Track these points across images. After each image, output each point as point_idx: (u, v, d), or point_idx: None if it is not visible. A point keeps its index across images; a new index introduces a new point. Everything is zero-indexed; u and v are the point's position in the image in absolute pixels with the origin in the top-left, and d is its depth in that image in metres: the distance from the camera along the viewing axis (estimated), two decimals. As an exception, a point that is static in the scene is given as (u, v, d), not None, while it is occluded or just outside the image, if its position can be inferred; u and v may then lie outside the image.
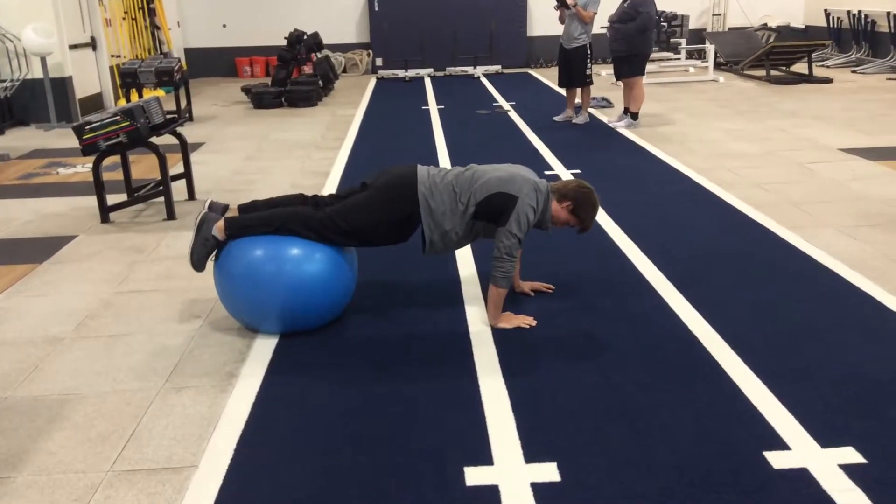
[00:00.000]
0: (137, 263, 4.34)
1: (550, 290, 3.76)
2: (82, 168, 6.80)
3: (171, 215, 5.16)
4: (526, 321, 3.41)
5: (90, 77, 10.26)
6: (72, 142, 6.64)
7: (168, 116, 5.51)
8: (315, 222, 3.26)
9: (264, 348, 3.24)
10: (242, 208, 3.44)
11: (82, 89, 9.76)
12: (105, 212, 5.14)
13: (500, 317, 3.41)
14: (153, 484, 2.38)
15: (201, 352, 3.25)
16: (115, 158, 5.30)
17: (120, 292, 3.94)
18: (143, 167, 6.64)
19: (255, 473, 2.41)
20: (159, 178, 5.22)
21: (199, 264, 3.32)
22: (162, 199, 5.21)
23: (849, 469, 2.34)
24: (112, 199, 5.27)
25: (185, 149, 5.60)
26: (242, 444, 2.56)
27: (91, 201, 5.37)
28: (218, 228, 3.27)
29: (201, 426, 2.68)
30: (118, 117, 4.90)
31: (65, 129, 8.71)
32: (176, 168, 5.84)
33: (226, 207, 3.42)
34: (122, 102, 10.00)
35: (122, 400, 2.88)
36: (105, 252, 4.55)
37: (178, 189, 5.60)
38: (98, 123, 4.89)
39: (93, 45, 10.38)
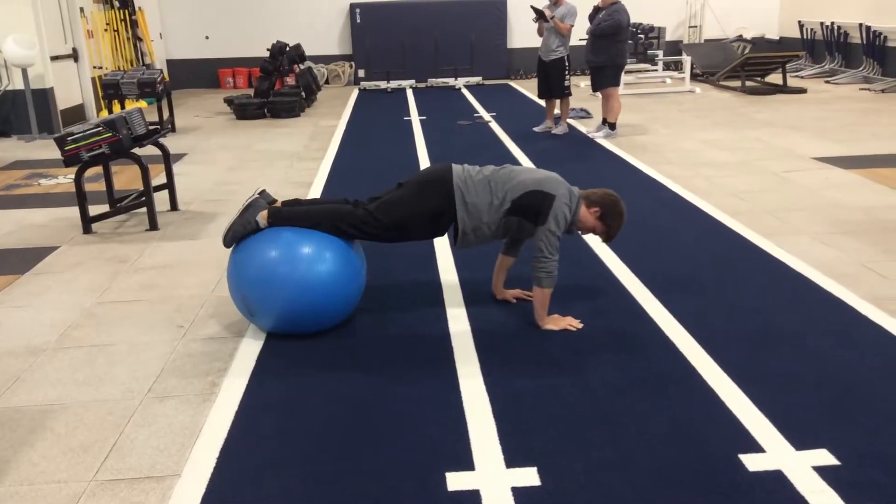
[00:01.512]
0: (120, 274, 4.35)
1: (531, 298, 3.81)
2: (64, 179, 6.79)
3: (153, 226, 5.17)
4: (573, 323, 3.46)
5: (72, 88, 10.23)
6: (54, 153, 6.64)
7: (150, 127, 5.53)
8: (355, 218, 3.38)
9: (247, 357, 3.26)
10: (286, 203, 3.52)
11: (64, 100, 9.74)
12: (87, 222, 5.14)
13: (548, 318, 3.47)
14: (136, 493, 2.39)
15: (184, 361, 3.27)
16: (97, 169, 5.31)
17: (102, 302, 3.95)
18: (126, 178, 6.64)
19: (237, 482, 2.43)
20: (142, 188, 5.23)
21: (230, 242, 3.40)
22: (144, 209, 5.22)
23: (822, 471, 2.39)
24: (94, 210, 5.27)
25: (167, 159, 5.61)
26: (225, 452, 2.58)
27: (73, 212, 5.37)
28: (262, 216, 3.37)
29: (184, 435, 2.70)
30: (100, 128, 4.91)
31: (46, 141, 8.69)
32: (158, 179, 5.85)
33: (273, 201, 3.49)
34: (104, 114, 9.99)
35: (104, 410, 2.89)
36: (87, 263, 4.55)
37: (161, 200, 5.61)
38: (80, 134, 4.90)
39: (74, 56, 10.36)
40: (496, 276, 3.84)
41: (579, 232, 3.55)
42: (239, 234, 3.38)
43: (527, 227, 3.43)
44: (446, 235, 3.80)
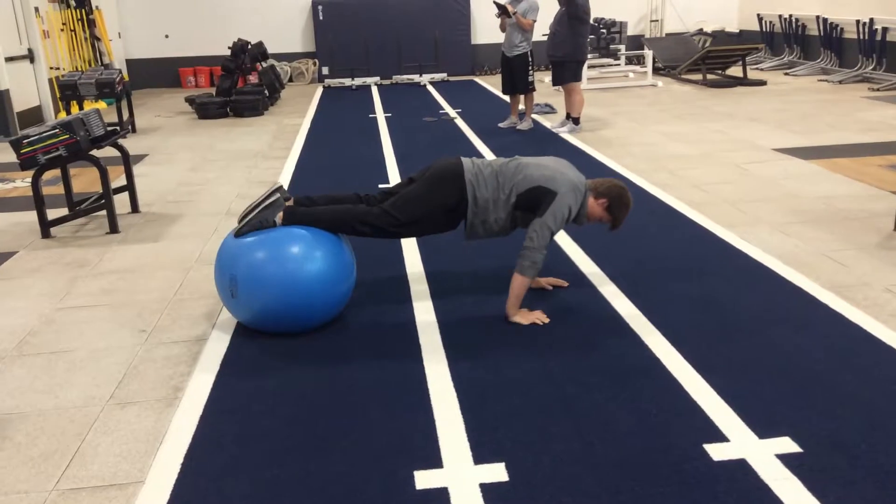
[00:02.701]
0: (80, 278, 4.27)
1: (566, 286, 3.87)
2: (22, 183, 6.65)
3: (113, 228, 5.08)
4: (542, 318, 3.47)
5: (28, 90, 10.02)
6: (10, 156, 6.50)
7: (109, 128, 5.44)
8: (371, 217, 3.43)
9: (211, 360, 3.22)
10: (298, 201, 3.54)
11: (20, 102, 9.53)
12: (46, 227, 5.04)
13: (518, 311, 3.49)
14: (99, 501, 2.35)
15: (146, 366, 3.22)
16: (55, 172, 5.20)
17: (62, 308, 3.87)
18: (86, 180, 6.52)
19: (202, 487, 2.40)
20: (101, 191, 5.13)
21: (243, 235, 3.37)
22: (104, 212, 5.13)
23: (785, 458, 2.43)
24: (54, 214, 5.17)
25: (126, 161, 5.52)
26: (189, 457, 2.55)
27: (31, 216, 5.27)
28: (279, 217, 3.38)
29: (147, 441, 2.66)
30: (57, 130, 4.82)
31: (2, 144, 8.49)
32: (118, 181, 5.76)
33: (288, 198, 3.49)
34: (63, 115, 9.79)
35: (65, 418, 2.84)
36: (46, 268, 4.46)
37: (121, 202, 5.52)
38: (36, 137, 4.80)
39: (30, 57, 10.14)
40: None
41: (587, 222, 3.59)
42: (255, 229, 3.37)
43: (532, 219, 3.46)
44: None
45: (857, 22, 11.17)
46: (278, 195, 3.41)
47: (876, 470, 2.35)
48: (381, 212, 3.45)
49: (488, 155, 7.11)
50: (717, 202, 5.29)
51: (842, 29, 11.77)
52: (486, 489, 2.33)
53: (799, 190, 5.53)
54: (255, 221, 3.36)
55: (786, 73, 12.38)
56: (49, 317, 3.77)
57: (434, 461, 2.48)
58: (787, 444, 2.50)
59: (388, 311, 3.66)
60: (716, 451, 2.47)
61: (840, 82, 11.07)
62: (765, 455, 2.45)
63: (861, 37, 11.17)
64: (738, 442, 2.52)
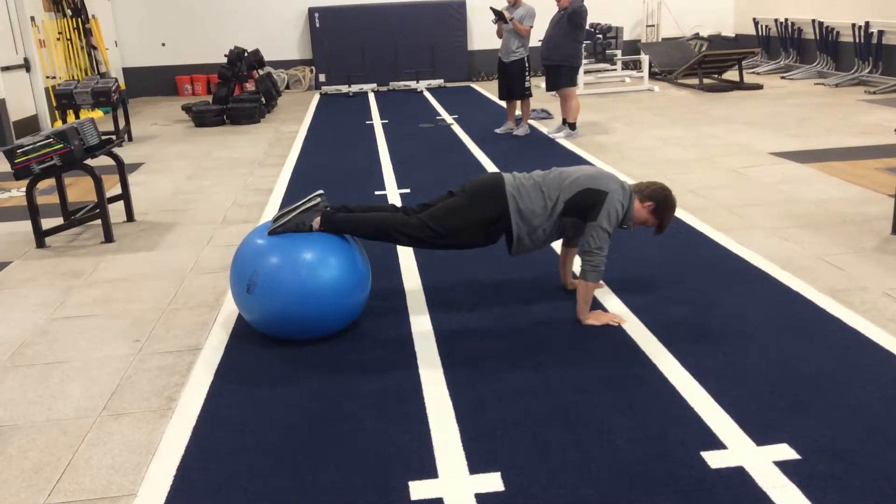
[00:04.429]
0: (74, 288, 4.25)
1: (601, 286, 3.85)
2: (17, 192, 6.63)
3: (108, 238, 5.06)
4: (615, 319, 3.47)
5: (24, 99, 10.01)
6: (5, 166, 6.47)
7: (104, 137, 5.42)
8: (410, 228, 3.41)
9: (205, 371, 3.20)
10: (335, 209, 3.50)
11: (16, 112, 9.52)
12: (40, 236, 5.02)
13: (590, 313, 3.48)
14: (91, 514, 2.33)
15: (140, 377, 3.20)
16: (50, 181, 5.19)
17: (56, 318, 3.85)
18: (81, 189, 6.51)
19: (195, 499, 2.37)
20: (96, 200, 5.12)
21: (276, 234, 3.33)
22: (99, 221, 5.11)
23: (783, 465, 2.41)
24: (49, 223, 5.15)
25: (121, 170, 5.51)
26: (182, 469, 2.52)
27: (26, 226, 5.25)
28: (316, 222, 3.35)
29: (140, 453, 2.63)
30: (51, 140, 4.80)
31: (-3, 153, 8.48)
32: (114, 190, 5.74)
33: (328, 206, 3.46)
34: (59, 124, 9.78)
35: (57, 429, 2.81)
36: (40, 278, 4.44)
37: (117, 211, 5.51)
38: (30, 146, 4.79)
39: (26, 66, 10.14)
40: (562, 269, 3.88)
41: (633, 225, 3.57)
42: (290, 230, 3.34)
43: (581, 225, 3.47)
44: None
45: (853, 25, 11.18)
46: (319, 200, 3.38)
47: (875, 476, 2.33)
48: (419, 223, 3.42)
49: (485, 160, 7.09)
50: (714, 207, 5.28)
51: (838, 32, 11.79)
52: (482, 499, 2.31)
53: (795, 194, 5.52)
54: (291, 224, 3.33)
55: (782, 77, 12.39)
56: (43, 327, 3.75)
57: (429, 471, 2.46)
58: (786, 451, 2.48)
59: (385, 321, 3.64)
60: (713, 459, 2.45)
61: (836, 86, 11.08)
62: (763, 462, 2.43)
63: (857, 40, 11.19)
64: (736, 449, 2.50)
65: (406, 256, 4.49)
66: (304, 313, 3.26)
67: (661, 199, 3.49)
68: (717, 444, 2.53)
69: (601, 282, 3.86)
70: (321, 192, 3.46)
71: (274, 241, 3.32)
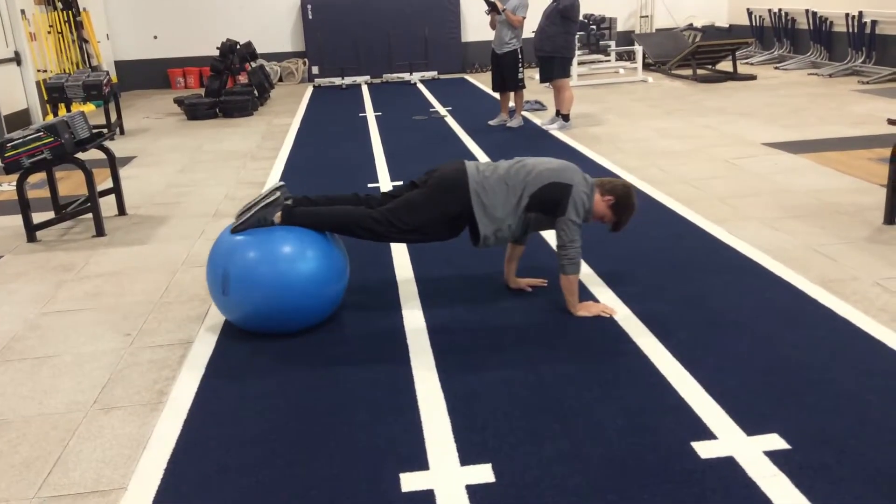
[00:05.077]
0: (65, 283, 4.23)
1: (545, 285, 3.83)
2: (8, 186, 6.58)
3: (100, 231, 5.04)
4: (607, 310, 3.46)
5: (15, 93, 9.95)
6: (-5, 160, 6.43)
7: (95, 131, 5.40)
8: (370, 221, 3.37)
9: (196, 363, 3.19)
10: (297, 201, 3.47)
11: (7, 106, 9.46)
12: (31, 231, 5.00)
13: (580, 305, 3.47)
14: (81, 508, 2.32)
15: (131, 371, 3.19)
16: (41, 175, 5.16)
17: (47, 313, 3.83)
18: (72, 183, 6.48)
19: (185, 493, 2.37)
20: (87, 194, 5.09)
21: (240, 232, 3.32)
22: (90, 215, 5.09)
23: (773, 455, 2.41)
24: (40, 217, 5.12)
25: (113, 163, 5.49)
26: (173, 463, 2.52)
27: (17, 220, 5.23)
28: (277, 216, 3.33)
29: (131, 447, 2.63)
30: (41, 133, 4.78)
31: (-12, 147, 8.42)
32: (105, 183, 5.71)
33: (288, 198, 3.44)
34: (50, 118, 9.73)
35: (48, 424, 2.80)
36: (31, 272, 4.42)
37: (108, 204, 5.48)
38: (20, 140, 4.76)
39: (17, 60, 10.07)
40: (507, 266, 3.83)
41: (591, 219, 3.55)
42: (252, 227, 3.33)
43: (545, 220, 3.44)
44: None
45: (847, 15, 11.17)
46: (278, 194, 3.36)
47: (865, 466, 2.34)
48: (381, 216, 3.38)
49: (478, 152, 7.08)
50: (707, 198, 5.28)
51: (831, 22, 11.78)
52: (473, 490, 2.31)
53: (788, 184, 5.52)
54: (252, 220, 3.31)
55: (776, 68, 12.38)
56: (34, 322, 3.74)
57: (420, 463, 2.46)
58: (776, 441, 2.48)
59: (377, 314, 3.63)
60: (703, 449, 2.46)
61: (830, 76, 11.08)
62: (753, 452, 2.43)
63: (850, 30, 11.18)
64: (726, 439, 2.51)
65: (399, 248, 4.48)
66: (282, 308, 3.26)
67: (621, 195, 3.47)
68: (707, 435, 2.53)
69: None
70: (282, 183, 3.44)
71: (240, 239, 3.30)
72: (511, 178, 3.41)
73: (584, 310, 3.48)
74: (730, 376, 2.90)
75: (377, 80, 13.37)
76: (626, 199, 3.48)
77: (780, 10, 12.97)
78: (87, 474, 2.49)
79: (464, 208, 3.38)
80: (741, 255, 4.16)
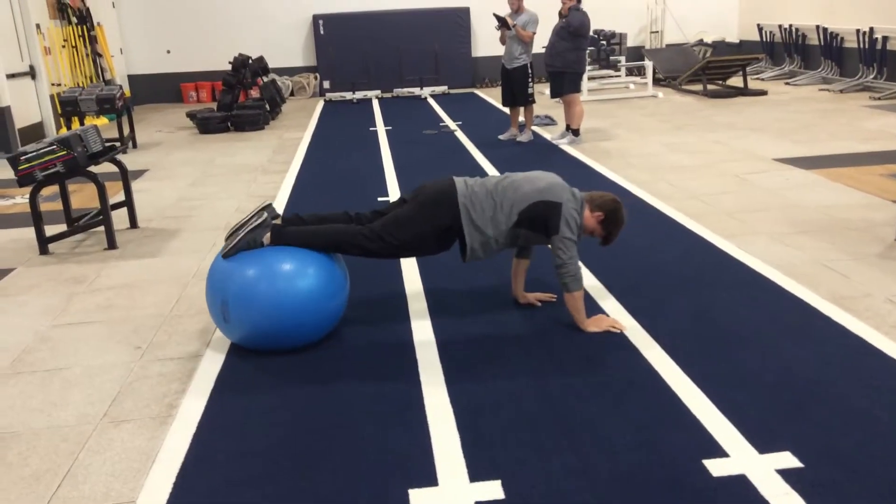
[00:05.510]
0: (76, 295, 4.25)
1: (553, 299, 3.82)
2: (21, 199, 6.64)
3: (111, 244, 5.07)
4: (616, 325, 3.46)
5: (30, 106, 10.05)
6: (10, 173, 6.49)
7: (108, 144, 5.44)
8: (361, 238, 3.38)
9: (206, 377, 3.20)
10: (287, 220, 3.49)
11: (22, 119, 9.55)
12: (43, 243, 5.03)
13: (589, 320, 3.47)
14: (90, 521, 2.32)
15: (141, 384, 3.19)
16: (55, 188, 5.20)
17: (58, 325, 3.85)
18: (85, 196, 6.52)
19: (195, 505, 2.37)
20: (99, 207, 5.13)
21: (230, 256, 3.30)
22: (102, 228, 5.12)
23: (786, 474, 2.39)
24: (53, 230, 5.16)
25: (125, 176, 5.52)
26: (182, 476, 2.52)
27: (30, 233, 5.26)
28: (266, 237, 3.32)
29: (140, 460, 2.63)
30: (54, 147, 4.82)
31: (3, 161, 8.50)
32: (118, 196, 5.75)
33: (276, 216, 3.44)
34: (64, 132, 9.82)
35: (57, 436, 2.81)
36: (43, 284, 4.45)
37: (120, 217, 5.52)
38: (34, 153, 4.80)
39: (32, 73, 10.18)
40: (515, 281, 3.83)
41: (582, 234, 3.54)
42: (242, 251, 3.31)
43: (534, 237, 3.44)
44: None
45: (858, 31, 11.16)
46: (265, 214, 3.35)
47: (877, 484, 2.32)
48: (371, 233, 3.39)
49: (488, 166, 7.10)
50: (717, 213, 5.26)
51: (842, 38, 11.77)
52: (482, 507, 2.30)
53: (799, 200, 5.51)
54: (241, 243, 3.29)
55: (786, 83, 12.37)
56: (45, 334, 3.76)
57: (429, 479, 2.45)
58: (788, 459, 2.46)
59: (385, 327, 3.63)
60: (715, 467, 2.44)
61: (841, 91, 11.06)
62: (765, 470, 2.41)
63: (861, 46, 11.17)
64: (738, 457, 2.49)
65: (407, 261, 4.48)
66: (281, 327, 3.25)
67: (610, 210, 3.47)
68: (719, 452, 2.52)
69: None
70: (268, 202, 3.44)
71: (232, 265, 3.28)
72: (498, 194, 3.42)
73: (594, 325, 3.47)
74: (739, 392, 2.88)
75: (388, 95, 13.43)
76: (615, 215, 3.48)
77: (790, 25, 12.97)
78: (97, 487, 2.49)
79: (454, 221, 3.39)
80: (750, 270, 4.14)
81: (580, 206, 3.45)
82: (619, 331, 3.44)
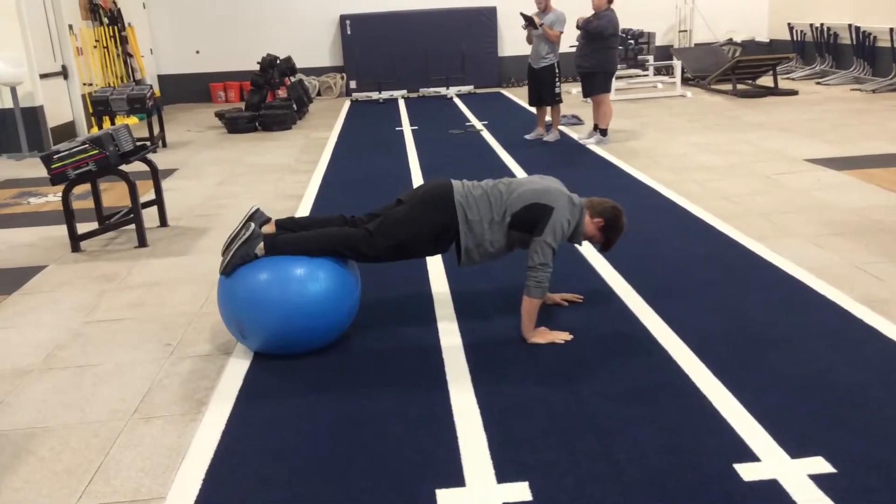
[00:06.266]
0: (108, 292, 4.31)
1: (580, 301, 3.79)
2: (54, 197, 6.75)
3: (142, 242, 5.13)
4: (561, 336, 3.40)
5: (62, 106, 10.21)
6: (43, 171, 6.59)
7: (138, 143, 5.50)
8: (356, 241, 3.33)
9: (235, 375, 3.22)
10: (280, 224, 3.46)
11: (54, 118, 9.71)
12: (75, 241, 5.10)
13: (535, 331, 3.41)
14: (121, 517, 2.35)
15: (171, 380, 3.23)
16: (86, 186, 5.27)
17: (89, 322, 3.90)
18: (115, 195, 6.61)
19: (222, 503, 2.38)
20: (130, 205, 5.19)
21: (229, 273, 3.28)
22: (133, 226, 5.18)
23: (819, 479, 2.35)
24: (84, 228, 5.23)
25: (155, 175, 5.58)
26: (211, 473, 2.54)
27: (62, 230, 5.34)
28: (259, 248, 3.28)
29: (170, 457, 2.65)
30: (86, 146, 4.88)
31: (36, 159, 8.64)
32: (148, 195, 5.82)
33: (266, 220, 3.40)
34: (95, 131, 9.95)
35: (89, 432, 2.85)
36: (75, 281, 4.51)
37: (150, 216, 5.58)
38: (66, 152, 4.87)
39: (64, 73, 10.33)
40: None
41: (583, 240, 3.52)
42: (238, 266, 3.27)
43: (529, 240, 3.40)
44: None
45: (891, 30, 10.98)
46: (252, 226, 3.27)
47: (914, 492, 2.27)
48: (365, 235, 3.33)
49: (514, 166, 7.08)
50: (747, 214, 5.20)
51: (875, 37, 11.58)
52: (510, 508, 2.29)
53: (832, 201, 5.42)
54: (236, 258, 3.23)
55: (818, 83, 12.20)
56: (77, 331, 3.81)
57: (457, 479, 2.45)
58: (821, 465, 2.42)
59: (412, 328, 3.63)
60: (746, 472, 2.41)
61: (874, 91, 10.88)
62: (797, 475, 2.38)
63: (895, 45, 10.97)
64: (770, 462, 2.45)
65: (434, 262, 4.48)
66: (296, 333, 3.25)
67: (610, 217, 3.43)
68: (750, 457, 2.48)
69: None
70: (255, 209, 3.37)
71: (236, 281, 3.24)
72: (494, 196, 3.38)
73: (539, 336, 3.39)
74: (771, 396, 2.84)
75: (414, 95, 13.45)
76: (615, 221, 3.44)
77: (821, 24, 12.79)
78: (128, 483, 2.52)
79: (450, 221, 3.35)
80: (782, 273, 4.09)
81: (579, 213, 3.40)
82: (563, 342, 3.36)
